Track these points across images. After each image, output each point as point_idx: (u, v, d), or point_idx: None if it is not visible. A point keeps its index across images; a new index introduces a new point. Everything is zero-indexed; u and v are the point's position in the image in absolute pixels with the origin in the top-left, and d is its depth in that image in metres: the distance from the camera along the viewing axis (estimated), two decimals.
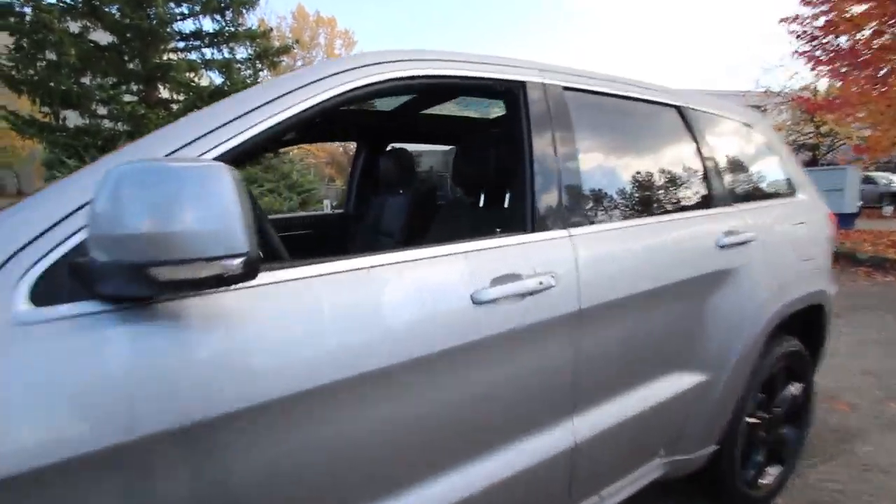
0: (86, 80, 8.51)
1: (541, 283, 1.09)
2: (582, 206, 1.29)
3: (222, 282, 0.64)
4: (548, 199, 1.22)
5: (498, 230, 1.20)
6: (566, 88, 1.35)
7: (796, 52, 11.23)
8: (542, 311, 1.10)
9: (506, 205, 1.61)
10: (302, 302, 0.85)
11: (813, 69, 11.70)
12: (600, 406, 1.29)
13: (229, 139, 0.85)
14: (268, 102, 0.92)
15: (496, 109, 2.46)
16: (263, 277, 0.82)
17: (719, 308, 1.54)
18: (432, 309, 0.96)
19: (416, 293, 0.96)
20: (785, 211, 1.92)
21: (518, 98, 1.27)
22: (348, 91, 1.00)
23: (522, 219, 1.20)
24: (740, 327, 1.60)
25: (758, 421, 1.78)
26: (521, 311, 1.06)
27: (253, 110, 0.90)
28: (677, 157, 1.64)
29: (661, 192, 1.56)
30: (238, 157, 0.87)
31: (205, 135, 0.84)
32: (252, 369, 0.78)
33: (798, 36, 10.74)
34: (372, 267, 0.93)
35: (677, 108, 1.67)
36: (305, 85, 0.97)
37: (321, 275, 0.88)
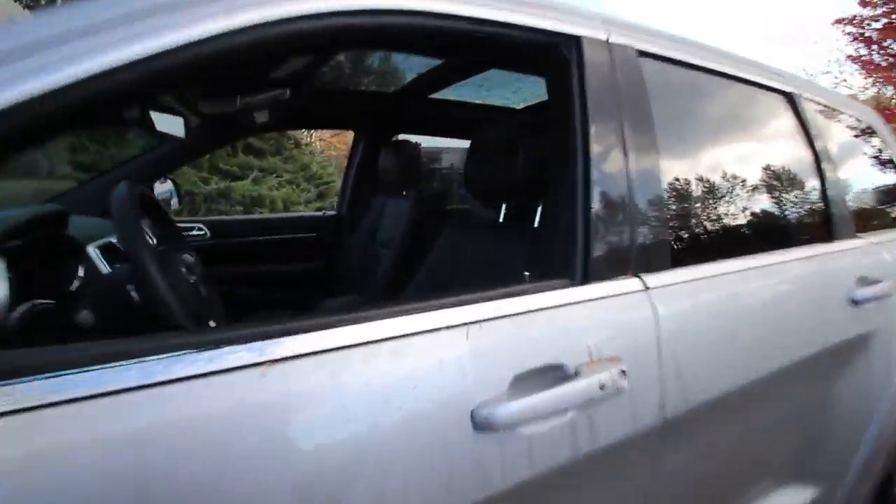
0: None
1: (601, 384, 0.61)
2: (664, 238, 0.80)
3: None
4: (610, 225, 0.73)
5: (526, 275, 0.73)
6: (642, 53, 0.86)
7: (849, 56, 10.49)
8: (602, 434, 0.61)
9: (536, 223, 1.14)
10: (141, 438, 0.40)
11: (868, 76, 10.89)
12: None
13: None
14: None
15: (527, 96, 1.97)
16: (72, 387, 0.38)
17: (845, 393, 1.04)
18: (390, 452, 0.49)
19: (361, 417, 0.49)
20: None
21: (568, 63, 0.77)
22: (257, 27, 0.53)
23: (567, 257, 0.71)
24: (870, 417, 1.10)
25: None
26: (565, 437, 0.58)
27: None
28: (789, 164, 1.13)
29: (770, 216, 1.06)
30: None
31: None
32: None
33: (854, 38, 10.03)
34: (281, 360, 0.46)
35: (789, 95, 1.17)
36: None
37: (182, 379, 0.43)
